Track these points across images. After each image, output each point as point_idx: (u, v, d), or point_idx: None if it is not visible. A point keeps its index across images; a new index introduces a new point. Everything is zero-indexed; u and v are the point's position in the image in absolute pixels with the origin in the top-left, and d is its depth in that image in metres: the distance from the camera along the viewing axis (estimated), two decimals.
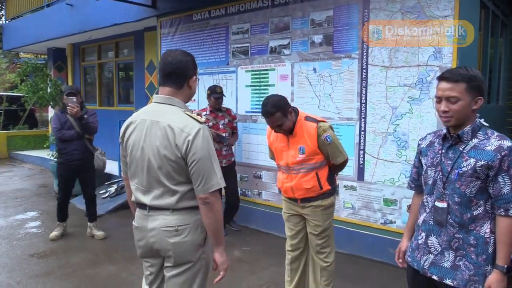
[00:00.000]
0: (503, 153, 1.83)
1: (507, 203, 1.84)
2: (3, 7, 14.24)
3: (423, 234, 2.06)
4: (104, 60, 9.96)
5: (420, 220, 2.11)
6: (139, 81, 8.53)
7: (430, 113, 3.86)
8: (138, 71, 8.62)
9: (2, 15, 15.49)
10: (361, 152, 4.35)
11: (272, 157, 3.30)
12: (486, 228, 1.89)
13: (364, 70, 4.27)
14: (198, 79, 2.18)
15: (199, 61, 5.84)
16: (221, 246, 2.06)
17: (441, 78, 1.95)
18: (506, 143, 1.86)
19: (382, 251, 4.30)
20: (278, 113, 2.86)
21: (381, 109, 4.19)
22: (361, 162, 4.36)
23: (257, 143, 5.25)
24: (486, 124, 1.98)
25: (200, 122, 1.96)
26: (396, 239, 4.17)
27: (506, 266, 1.83)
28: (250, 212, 5.25)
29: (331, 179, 3.09)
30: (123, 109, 9.03)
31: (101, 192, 6.65)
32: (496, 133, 1.93)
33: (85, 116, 4.87)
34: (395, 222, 4.20)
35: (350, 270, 4.10)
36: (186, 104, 2.10)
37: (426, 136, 2.20)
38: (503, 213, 1.86)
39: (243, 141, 5.46)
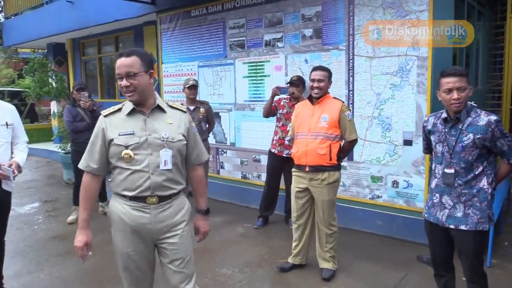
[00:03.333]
0: (492, 127, 2.46)
1: (509, 156, 2.54)
2: (1, 4, 14.46)
3: (437, 195, 2.67)
4: (104, 54, 10.32)
5: (432, 185, 2.72)
6: None
7: (410, 98, 4.33)
8: None
9: (0, 10, 15.67)
10: None
11: (293, 133, 3.82)
12: (484, 182, 2.54)
13: (351, 61, 4.71)
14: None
15: (198, 55, 6.27)
16: None
17: (446, 75, 2.53)
18: (492, 118, 2.49)
19: (370, 223, 4.79)
20: (326, 72, 3.64)
21: (366, 96, 4.64)
22: None
23: (255, 129, 5.69)
24: (475, 105, 2.61)
25: None
26: (384, 212, 4.66)
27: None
28: (250, 193, 5.71)
29: (339, 157, 3.61)
30: (124, 101, 9.41)
31: (109, 180, 7.08)
32: (483, 111, 2.56)
33: (95, 109, 5.33)
34: (381, 197, 4.68)
35: (344, 240, 4.56)
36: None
37: (428, 119, 2.81)
38: (506, 162, 2.57)
39: (242, 128, 5.90)
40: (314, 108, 3.64)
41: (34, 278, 3.89)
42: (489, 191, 2.55)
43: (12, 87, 16.03)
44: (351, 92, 4.76)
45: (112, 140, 2.18)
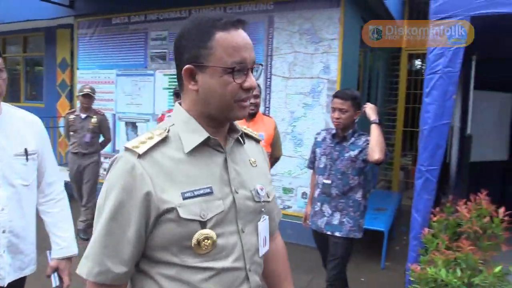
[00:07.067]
0: (367, 143, 2.71)
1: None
2: None
3: (318, 203, 2.93)
4: (9, 54, 9.67)
5: (315, 194, 2.98)
6: (50, 78, 8.49)
7: (320, 117, 4.77)
8: (48, 67, 8.57)
9: None
10: None
11: None
12: (359, 194, 2.83)
13: (268, 80, 5.05)
14: None
15: (117, 63, 6.23)
16: None
17: (334, 96, 2.85)
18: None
19: (281, 232, 5.08)
20: (258, 87, 3.50)
21: (281, 113, 5.01)
22: None
23: None
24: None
25: None
26: (293, 221, 5.00)
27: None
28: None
29: None
30: (31, 105, 8.90)
31: None
32: (362, 135, 2.82)
33: None
34: (291, 207, 5.04)
35: None
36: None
37: (320, 132, 3.09)
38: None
39: None
40: (248, 125, 3.57)
41: None
42: (362, 203, 2.85)
43: None
44: (267, 109, 5.09)
45: (170, 210, 1.03)
